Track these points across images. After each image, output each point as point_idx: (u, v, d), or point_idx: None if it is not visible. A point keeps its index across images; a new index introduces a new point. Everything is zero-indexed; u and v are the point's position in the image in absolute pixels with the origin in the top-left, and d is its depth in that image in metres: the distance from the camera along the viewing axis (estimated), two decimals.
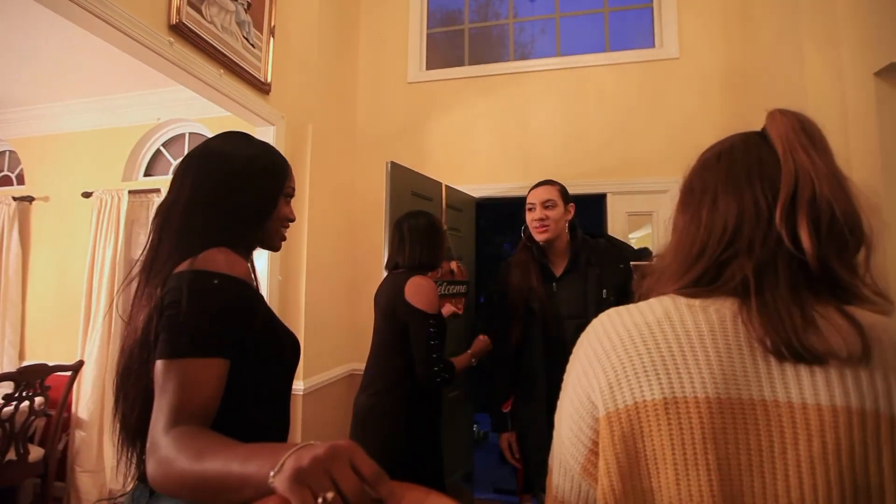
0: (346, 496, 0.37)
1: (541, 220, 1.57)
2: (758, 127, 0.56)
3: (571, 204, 1.64)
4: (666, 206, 2.33)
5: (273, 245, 0.89)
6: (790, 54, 1.94)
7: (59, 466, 2.47)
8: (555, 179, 1.70)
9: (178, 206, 0.78)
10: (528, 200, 1.63)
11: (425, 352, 1.45)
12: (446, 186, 2.39)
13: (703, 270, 0.50)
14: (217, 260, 0.70)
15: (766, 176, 0.49)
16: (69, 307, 2.81)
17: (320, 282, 2.34)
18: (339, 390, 2.46)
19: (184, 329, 0.64)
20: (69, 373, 2.47)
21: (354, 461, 0.40)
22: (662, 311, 0.48)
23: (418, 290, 1.48)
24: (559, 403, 0.54)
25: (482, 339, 1.75)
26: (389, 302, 1.54)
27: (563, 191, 1.64)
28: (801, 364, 0.42)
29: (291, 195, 0.90)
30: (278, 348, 0.80)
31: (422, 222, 1.61)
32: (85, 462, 2.53)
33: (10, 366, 2.77)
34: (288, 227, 0.91)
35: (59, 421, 2.42)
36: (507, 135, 2.61)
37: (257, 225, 0.83)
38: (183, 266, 0.69)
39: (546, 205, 1.58)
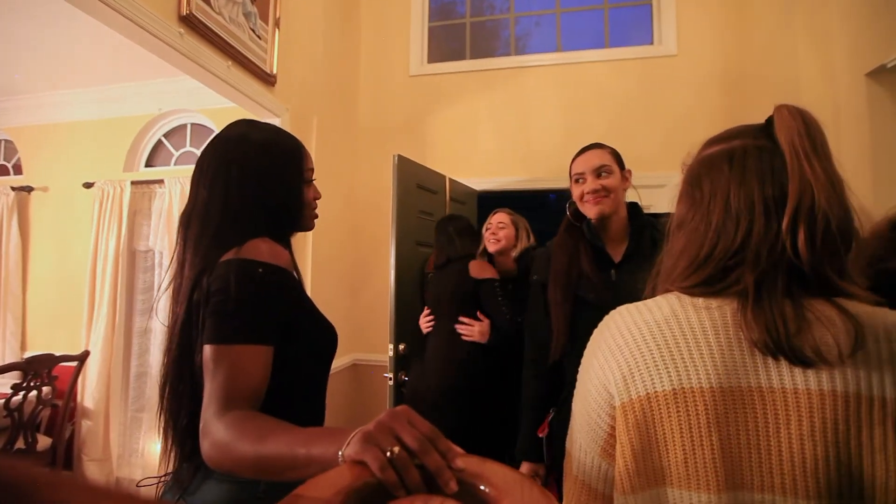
0: (411, 448, 0.42)
1: (595, 191, 1.24)
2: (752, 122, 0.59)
3: (629, 170, 1.31)
4: (662, 201, 2.39)
5: (307, 226, 0.90)
6: (785, 54, 2.01)
7: (65, 456, 2.50)
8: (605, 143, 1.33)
9: (208, 210, 0.77)
10: (574, 171, 1.30)
11: (499, 306, 1.78)
12: (450, 179, 2.43)
13: (708, 275, 0.54)
14: (261, 249, 0.72)
15: (777, 185, 0.52)
16: (71, 298, 2.82)
17: (324, 273, 2.37)
18: (342, 379, 2.50)
19: (232, 316, 0.67)
20: (75, 363, 2.49)
21: (412, 421, 0.45)
22: (670, 309, 0.53)
23: (481, 268, 1.84)
24: (577, 392, 0.59)
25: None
26: (456, 289, 1.82)
27: (616, 154, 1.30)
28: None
29: (311, 178, 0.89)
30: (318, 336, 0.83)
31: (464, 223, 1.96)
32: (91, 451, 2.56)
33: (11, 356, 2.78)
34: (317, 204, 0.91)
35: (66, 410, 2.44)
36: (507, 128, 2.65)
37: (292, 215, 0.85)
38: (228, 255, 0.71)
39: (600, 172, 1.25)
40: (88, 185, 2.80)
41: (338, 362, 2.47)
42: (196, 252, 0.76)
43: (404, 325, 2.02)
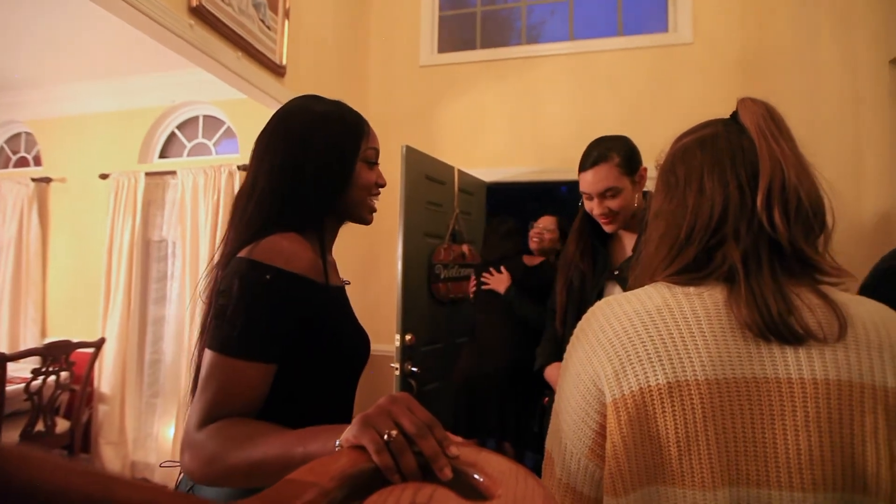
0: (408, 432, 0.42)
1: (602, 214, 1.22)
2: None
3: (642, 169, 1.21)
4: None
5: (360, 217, 0.82)
6: (806, 40, 1.94)
7: (83, 439, 2.58)
8: (610, 143, 1.21)
9: (254, 186, 0.73)
10: (581, 187, 1.25)
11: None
12: (458, 171, 2.42)
13: (693, 257, 0.53)
14: (277, 249, 0.65)
15: (748, 163, 0.53)
16: (88, 286, 2.89)
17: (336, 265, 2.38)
18: None
19: (233, 325, 0.62)
20: (91, 349, 2.55)
21: (411, 407, 0.45)
22: (661, 298, 0.51)
23: (531, 258, 2.13)
24: (559, 390, 0.56)
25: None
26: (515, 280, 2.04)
27: (624, 163, 1.19)
28: (785, 345, 0.47)
29: (373, 160, 0.80)
30: (338, 349, 0.74)
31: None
32: (108, 434, 2.64)
33: (32, 342, 2.86)
34: (378, 194, 0.82)
35: (83, 395, 2.51)
36: (518, 119, 2.62)
37: (332, 197, 0.75)
38: (244, 252, 0.66)
39: (606, 194, 1.19)
40: (104, 177, 2.86)
41: None
42: (238, 225, 0.72)
43: (411, 316, 2.03)
